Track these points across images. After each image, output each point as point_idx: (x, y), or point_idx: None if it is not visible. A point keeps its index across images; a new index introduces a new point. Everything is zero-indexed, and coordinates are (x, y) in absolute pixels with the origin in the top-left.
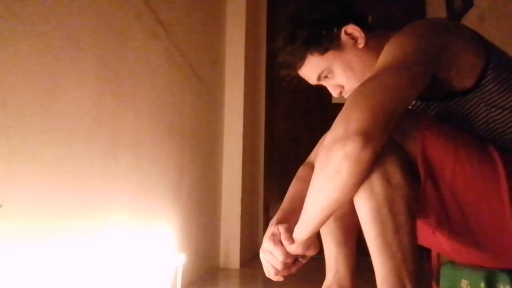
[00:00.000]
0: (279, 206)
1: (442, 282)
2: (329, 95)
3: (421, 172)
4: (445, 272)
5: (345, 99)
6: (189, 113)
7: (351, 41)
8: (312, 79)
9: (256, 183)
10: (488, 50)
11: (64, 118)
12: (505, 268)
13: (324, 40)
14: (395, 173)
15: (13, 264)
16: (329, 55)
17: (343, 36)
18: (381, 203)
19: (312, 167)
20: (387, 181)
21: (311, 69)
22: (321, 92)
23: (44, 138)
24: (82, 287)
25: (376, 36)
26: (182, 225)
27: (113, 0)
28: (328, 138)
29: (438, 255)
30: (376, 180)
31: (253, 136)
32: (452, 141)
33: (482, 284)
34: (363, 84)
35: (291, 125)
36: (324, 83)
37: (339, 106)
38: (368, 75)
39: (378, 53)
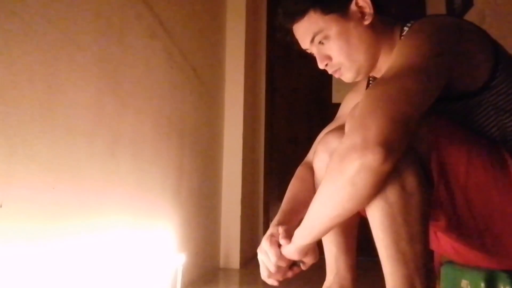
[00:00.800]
0: (279, 206)
1: (442, 282)
2: (329, 94)
3: (435, 175)
4: (445, 272)
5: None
6: (189, 113)
7: (358, 15)
8: (305, 41)
9: (256, 183)
10: (497, 51)
11: (64, 118)
12: (506, 268)
13: (333, 1)
14: (410, 179)
15: (13, 264)
16: (332, 18)
17: (353, 5)
18: (395, 211)
19: (310, 167)
20: (402, 187)
21: (308, 27)
22: (321, 92)
23: (44, 138)
24: (83, 287)
25: (382, 21)
26: (182, 225)
27: (113, 0)
28: (344, 145)
29: (440, 257)
30: (390, 187)
31: (253, 136)
32: (466, 143)
33: (482, 284)
34: (380, 88)
35: (291, 125)
36: (314, 49)
37: (339, 106)
38: (360, 54)
39: (378, 38)
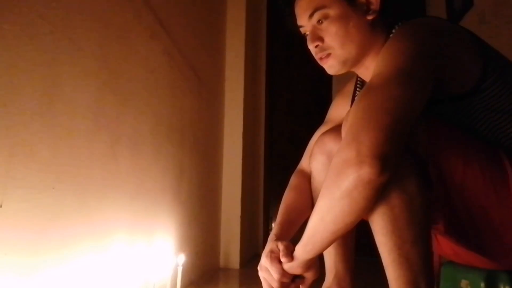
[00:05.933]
0: (279, 206)
1: (442, 282)
2: (329, 94)
3: (433, 178)
4: (445, 272)
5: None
6: (189, 113)
7: (364, 8)
8: (304, 14)
9: (256, 183)
10: (485, 53)
11: (64, 118)
12: (506, 269)
13: None
14: (410, 182)
15: (13, 264)
16: None
17: None
18: (397, 215)
19: (303, 175)
20: (403, 190)
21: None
22: (321, 92)
23: (44, 138)
24: (82, 286)
25: (383, 22)
26: (182, 225)
27: (113, 0)
28: (338, 159)
29: (440, 258)
30: (391, 191)
31: (253, 136)
32: (462, 145)
33: (482, 284)
34: (369, 97)
35: (291, 124)
36: (309, 28)
37: None
38: (353, 46)
39: (373, 37)
